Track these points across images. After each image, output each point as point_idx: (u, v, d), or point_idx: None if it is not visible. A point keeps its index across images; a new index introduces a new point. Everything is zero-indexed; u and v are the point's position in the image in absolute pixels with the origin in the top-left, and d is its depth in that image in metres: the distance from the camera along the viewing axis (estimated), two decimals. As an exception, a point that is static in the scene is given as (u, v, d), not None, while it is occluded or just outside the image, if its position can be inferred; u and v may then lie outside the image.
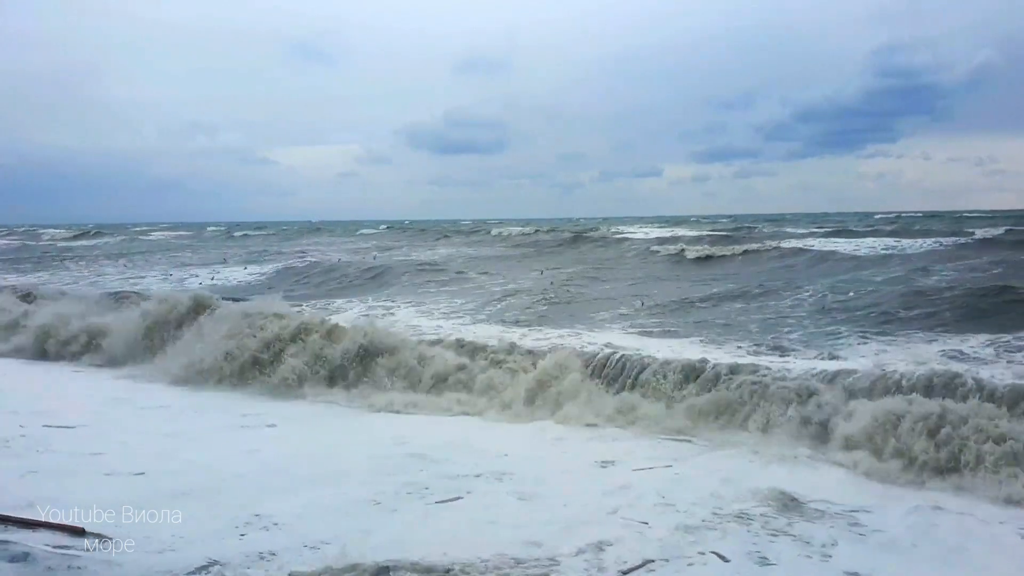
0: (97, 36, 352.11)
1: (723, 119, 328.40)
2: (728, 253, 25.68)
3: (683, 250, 26.95)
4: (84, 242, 55.08)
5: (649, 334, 11.65)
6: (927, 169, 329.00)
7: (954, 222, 44.94)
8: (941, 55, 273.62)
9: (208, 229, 73.06)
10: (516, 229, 47.96)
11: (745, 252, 25.41)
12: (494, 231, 48.85)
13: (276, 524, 4.88)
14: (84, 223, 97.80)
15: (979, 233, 27.65)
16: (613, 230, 42.93)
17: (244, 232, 65.16)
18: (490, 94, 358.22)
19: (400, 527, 4.92)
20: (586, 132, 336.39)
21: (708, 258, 25.37)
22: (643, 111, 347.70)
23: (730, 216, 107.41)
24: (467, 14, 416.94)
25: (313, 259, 29.97)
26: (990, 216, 58.90)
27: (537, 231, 44.20)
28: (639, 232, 39.50)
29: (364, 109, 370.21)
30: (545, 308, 15.35)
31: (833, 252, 24.08)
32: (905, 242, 26.36)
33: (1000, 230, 28.85)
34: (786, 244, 26.72)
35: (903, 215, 73.06)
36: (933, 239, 26.64)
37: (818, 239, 29.48)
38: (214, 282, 23.89)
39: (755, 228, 42.61)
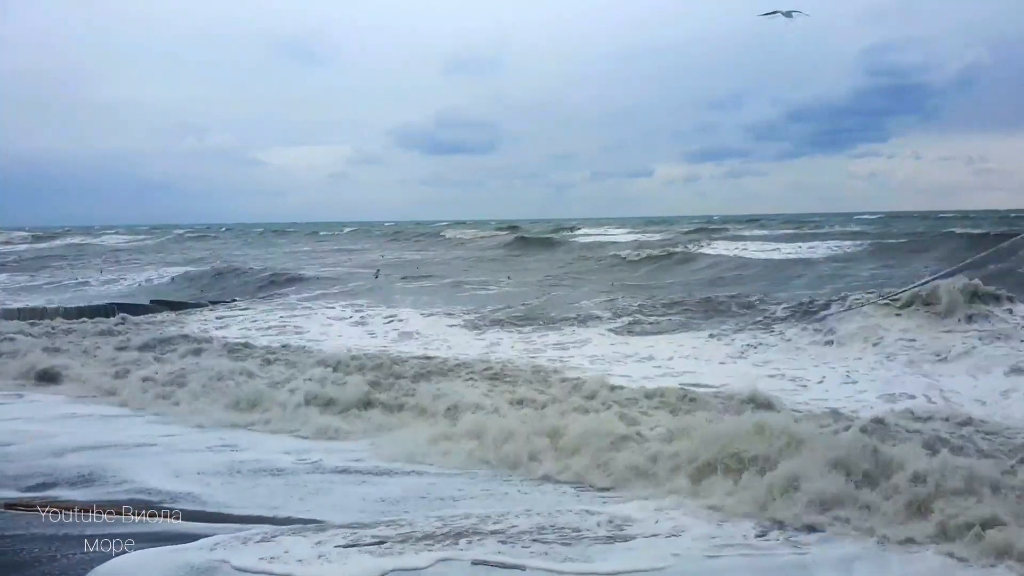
0: (84, 36, 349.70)
1: (714, 119, 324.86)
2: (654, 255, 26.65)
3: (618, 255, 27.84)
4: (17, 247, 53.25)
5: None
6: (918, 168, 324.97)
7: (937, 223, 45.04)
8: (932, 55, 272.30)
9: (174, 232, 71.15)
10: (470, 232, 46.37)
11: (666, 257, 26.28)
12: (447, 233, 47.17)
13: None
14: (65, 225, 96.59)
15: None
16: (577, 232, 42.82)
17: (206, 235, 63.74)
18: (481, 94, 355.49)
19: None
20: (577, 132, 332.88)
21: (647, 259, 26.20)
22: (634, 111, 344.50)
23: (719, 216, 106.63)
24: (457, 14, 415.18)
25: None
26: (971, 216, 58.60)
27: (507, 232, 43.37)
28: (603, 236, 39.65)
29: (355, 109, 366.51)
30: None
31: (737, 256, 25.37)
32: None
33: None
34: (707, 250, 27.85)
35: (879, 215, 72.71)
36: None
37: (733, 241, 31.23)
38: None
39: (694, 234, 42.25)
